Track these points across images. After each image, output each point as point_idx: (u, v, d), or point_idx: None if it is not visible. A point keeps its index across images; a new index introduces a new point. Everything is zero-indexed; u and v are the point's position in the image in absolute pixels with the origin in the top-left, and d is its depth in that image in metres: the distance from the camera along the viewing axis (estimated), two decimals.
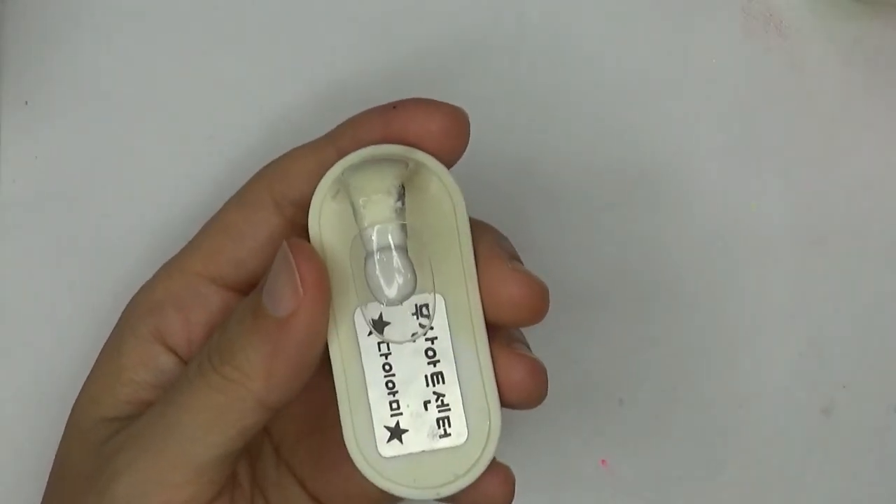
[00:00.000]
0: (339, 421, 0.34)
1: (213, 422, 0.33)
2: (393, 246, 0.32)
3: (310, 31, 0.43)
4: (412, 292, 0.32)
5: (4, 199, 0.42)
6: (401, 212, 0.32)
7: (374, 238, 0.32)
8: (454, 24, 0.43)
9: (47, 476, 0.38)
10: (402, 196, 0.32)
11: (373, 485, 0.34)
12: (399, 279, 0.32)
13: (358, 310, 0.34)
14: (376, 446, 0.34)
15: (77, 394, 0.38)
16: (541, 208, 0.43)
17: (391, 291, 0.32)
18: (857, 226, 0.44)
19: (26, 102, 0.43)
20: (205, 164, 0.43)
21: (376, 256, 0.32)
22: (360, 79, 0.43)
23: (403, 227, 0.32)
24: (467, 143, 0.34)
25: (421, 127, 0.33)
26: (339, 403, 0.34)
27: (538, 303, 0.34)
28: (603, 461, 0.43)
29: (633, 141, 0.43)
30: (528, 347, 0.35)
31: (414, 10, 0.43)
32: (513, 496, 0.35)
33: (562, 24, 0.44)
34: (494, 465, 0.34)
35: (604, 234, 0.43)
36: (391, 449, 0.34)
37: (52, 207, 0.43)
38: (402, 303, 0.32)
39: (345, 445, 0.34)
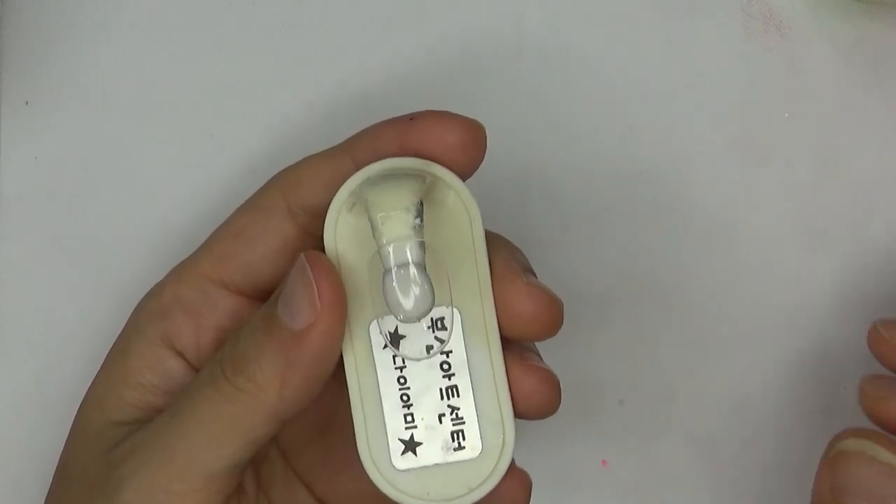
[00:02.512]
0: (351, 429, 0.34)
1: (223, 432, 0.33)
2: (411, 263, 0.32)
3: (309, 33, 0.43)
4: (430, 310, 0.32)
5: (4, 199, 0.42)
6: (419, 229, 0.32)
7: (392, 255, 0.32)
8: (454, 26, 0.43)
9: (47, 476, 0.37)
10: (420, 213, 0.32)
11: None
12: (417, 297, 0.32)
13: (373, 322, 0.34)
14: (390, 459, 0.34)
15: (76, 393, 0.38)
16: (540, 209, 0.43)
17: (409, 309, 0.32)
18: (857, 226, 0.44)
19: (26, 102, 0.43)
20: (205, 165, 0.43)
21: (394, 273, 0.32)
22: (360, 83, 0.43)
23: (422, 244, 0.32)
24: (483, 156, 0.34)
25: (438, 139, 0.33)
26: (353, 415, 0.34)
27: (553, 318, 0.34)
28: (603, 461, 0.43)
29: (633, 141, 0.43)
30: (540, 358, 0.35)
31: (413, 15, 0.43)
32: (529, 499, 0.35)
33: (561, 25, 0.44)
34: (512, 470, 0.34)
35: (603, 234, 0.43)
36: (405, 461, 0.34)
37: (52, 207, 0.43)
38: (419, 320, 0.32)
39: (359, 458, 0.34)
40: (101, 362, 0.38)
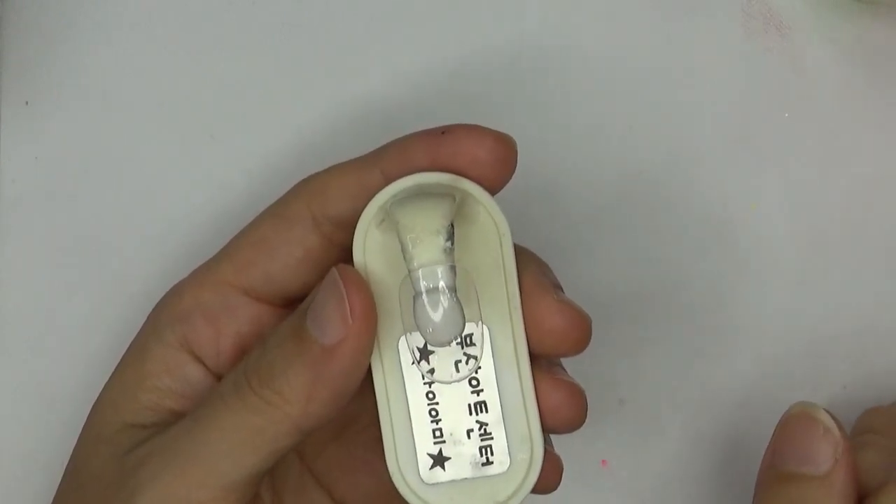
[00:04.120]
0: (373, 434, 0.34)
1: (246, 442, 0.32)
2: (442, 287, 0.32)
3: (309, 33, 0.43)
4: (460, 333, 0.32)
5: (4, 199, 0.42)
6: (450, 252, 0.32)
7: (422, 280, 0.32)
8: (454, 27, 0.43)
9: (48, 476, 0.37)
10: (451, 235, 0.32)
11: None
12: (447, 321, 0.32)
13: (402, 337, 0.33)
14: (419, 473, 0.34)
15: (77, 393, 0.38)
16: (540, 209, 0.43)
17: (439, 333, 0.32)
18: (857, 226, 0.44)
19: (26, 102, 0.43)
20: (205, 165, 0.43)
21: (425, 297, 0.32)
22: (360, 83, 0.43)
23: (452, 269, 0.32)
24: (513, 171, 0.34)
25: (470, 154, 0.33)
26: (381, 430, 0.34)
27: (582, 334, 0.34)
28: (603, 461, 0.43)
29: (633, 141, 0.43)
30: (566, 371, 0.35)
31: (413, 15, 0.43)
32: (559, 482, 0.35)
33: (561, 25, 0.44)
34: (547, 455, 0.34)
35: (603, 235, 0.43)
36: (434, 476, 0.34)
37: (52, 207, 0.43)
38: (450, 343, 0.32)
39: (387, 471, 0.34)
40: (102, 362, 0.38)
